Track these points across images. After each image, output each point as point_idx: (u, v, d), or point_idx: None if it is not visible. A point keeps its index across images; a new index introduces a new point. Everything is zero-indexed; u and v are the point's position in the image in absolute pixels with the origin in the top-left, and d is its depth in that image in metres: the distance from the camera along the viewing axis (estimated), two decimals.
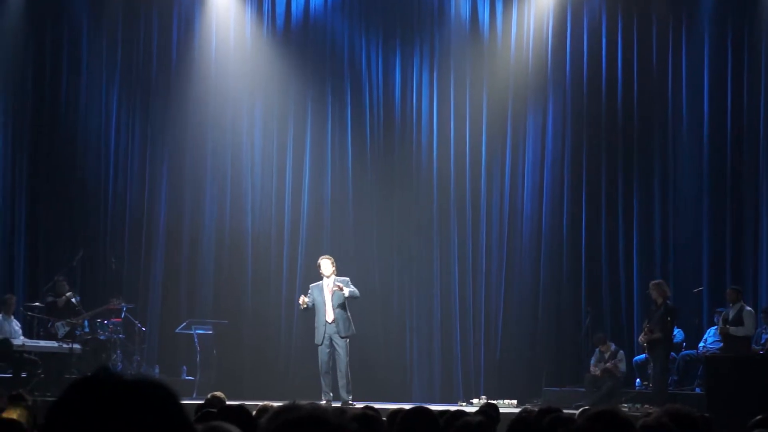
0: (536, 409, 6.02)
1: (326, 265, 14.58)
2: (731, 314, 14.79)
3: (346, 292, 14.37)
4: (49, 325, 15.82)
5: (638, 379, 16.40)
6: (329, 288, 14.49)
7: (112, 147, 18.31)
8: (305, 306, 14.51)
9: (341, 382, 14.35)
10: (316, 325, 14.61)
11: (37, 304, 16.33)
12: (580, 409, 8.27)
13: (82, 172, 18.20)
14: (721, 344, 15.16)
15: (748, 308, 14.91)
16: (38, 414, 6.49)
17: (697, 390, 15.52)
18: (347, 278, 14.70)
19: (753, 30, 17.51)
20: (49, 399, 13.39)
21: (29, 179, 18.10)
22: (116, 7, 18.32)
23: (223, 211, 18.14)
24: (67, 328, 15.73)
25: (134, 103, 18.38)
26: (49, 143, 18.21)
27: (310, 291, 14.61)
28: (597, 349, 16.17)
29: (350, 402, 14.07)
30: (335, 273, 14.60)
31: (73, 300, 16.15)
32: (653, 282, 15.20)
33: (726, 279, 16.83)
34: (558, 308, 17.55)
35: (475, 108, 18.09)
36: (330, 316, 14.43)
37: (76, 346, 15.55)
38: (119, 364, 16.56)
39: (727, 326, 14.68)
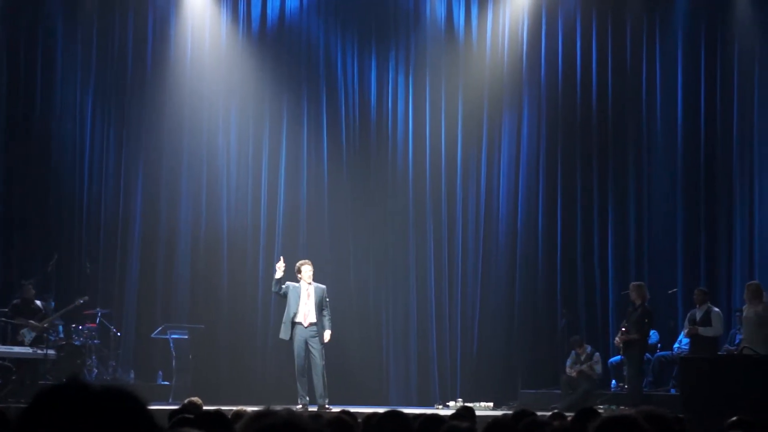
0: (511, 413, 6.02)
1: (308, 270, 14.48)
2: (698, 315, 14.88)
3: (326, 336, 14.39)
4: (20, 332, 15.64)
5: (614, 381, 16.46)
6: (307, 292, 14.42)
7: (87, 150, 18.23)
8: (281, 274, 14.39)
9: (317, 386, 14.30)
10: (284, 320, 14.51)
11: (6, 309, 16.20)
12: (552, 412, 8.30)
13: (56, 176, 18.11)
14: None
15: (716, 309, 15.00)
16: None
17: (672, 391, 15.58)
18: (324, 287, 14.61)
19: (726, 31, 17.62)
20: (23, 405, 13.31)
21: (3, 184, 18.00)
22: (91, 9, 18.24)
23: (198, 215, 18.09)
24: (34, 334, 15.57)
25: (109, 106, 18.30)
26: (24, 147, 18.10)
27: (285, 285, 14.49)
28: (573, 351, 16.21)
29: (326, 406, 14.03)
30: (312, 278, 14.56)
31: (38, 303, 15.99)
32: (634, 283, 15.25)
33: (700, 281, 16.90)
34: (534, 310, 17.59)
35: (451, 110, 18.12)
36: (306, 321, 14.36)
37: (51, 351, 15.45)
38: (94, 369, 16.46)
39: (696, 327, 14.76)
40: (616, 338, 15.07)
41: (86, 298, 16.32)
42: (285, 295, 14.44)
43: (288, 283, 14.49)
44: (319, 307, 14.37)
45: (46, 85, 18.22)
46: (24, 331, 15.57)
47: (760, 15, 17.56)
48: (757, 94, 17.44)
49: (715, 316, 14.79)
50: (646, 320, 14.72)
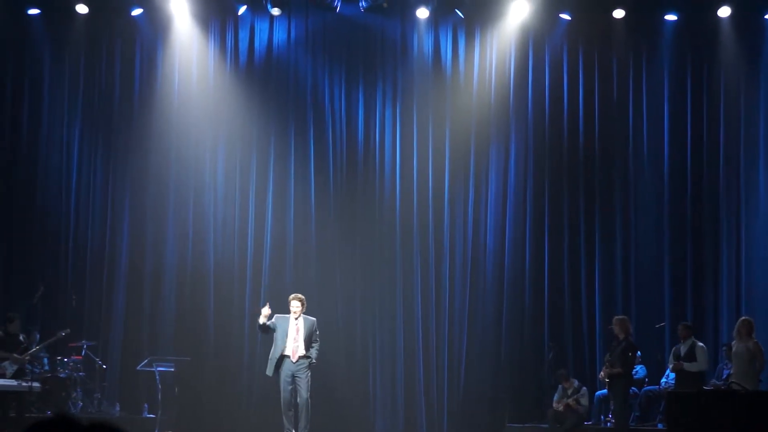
0: None
1: (296, 305, 14.31)
2: (683, 350, 14.85)
3: (313, 355, 14.31)
4: (1, 365, 15.50)
5: (602, 416, 16.42)
6: (296, 327, 14.27)
7: (73, 183, 18.18)
8: (265, 321, 14.28)
9: (301, 418, 14.19)
10: (270, 356, 14.37)
11: None
12: None
13: (43, 209, 18.04)
14: None
15: (700, 344, 14.97)
16: None
17: (660, 426, 15.57)
18: (314, 319, 14.50)
19: (712, 68, 17.75)
20: None
21: None
22: (78, 41, 18.22)
23: (185, 247, 18.02)
24: (15, 367, 15.43)
25: (96, 138, 18.26)
26: (10, 179, 18.05)
27: (274, 319, 14.37)
28: (560, 385, 16.18)
29: None
30: (303, 312, 14.38)
31: (21, 337, 15.87)
32: (617, 317, 15.20)
33: (687, 314, 16.93)
34: (521, 344, 17.56)
35: (438, 143, 18.14)
36: (296, 355, 14.21)
37: (36, 384, 15.34)
38: (79, 402, 16.37)
39: (681, 362, 14.73)
40: (601, 373, 15.04)
41: (68, 330, 16.19)
42: (273, 329, 14.30)
43: (276, 315, 14.37)
44: (308, 340, 14.24)
45: (32, 118, 18.17)
46: (5, 363, 15.44)
47: (745, 51, 17.69)
48: (742, 130, 17.57)
49: (700, 351, 14.77)
50: (630, 354, 14.68)
